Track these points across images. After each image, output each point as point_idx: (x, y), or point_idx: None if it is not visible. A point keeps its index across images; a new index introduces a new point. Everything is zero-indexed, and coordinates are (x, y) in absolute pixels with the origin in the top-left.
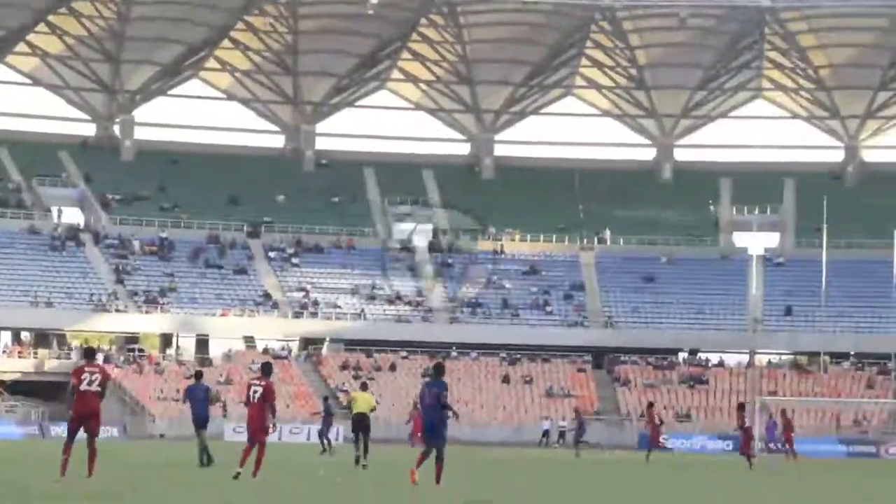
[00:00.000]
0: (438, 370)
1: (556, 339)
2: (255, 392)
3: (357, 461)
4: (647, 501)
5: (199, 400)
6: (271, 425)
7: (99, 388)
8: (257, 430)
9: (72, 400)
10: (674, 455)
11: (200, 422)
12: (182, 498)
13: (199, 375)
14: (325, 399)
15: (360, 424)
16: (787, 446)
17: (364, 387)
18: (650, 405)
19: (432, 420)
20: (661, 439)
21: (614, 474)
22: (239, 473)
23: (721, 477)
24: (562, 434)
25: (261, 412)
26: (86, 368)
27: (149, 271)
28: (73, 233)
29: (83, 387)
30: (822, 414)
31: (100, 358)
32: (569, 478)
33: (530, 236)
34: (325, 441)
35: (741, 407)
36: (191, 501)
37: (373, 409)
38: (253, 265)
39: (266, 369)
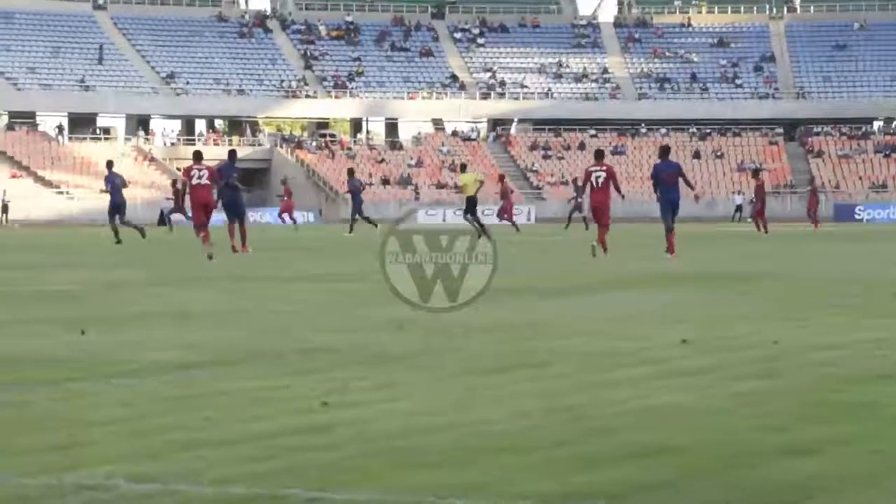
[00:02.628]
0: (666, 152)
1: (747, 113)
2: (598, 177)
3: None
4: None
5: (118, 187)
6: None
7: (208, 182)
8: (604, 215)
9: (184, 197)
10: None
11: (117, 208)
12: None
13: (110, 165)
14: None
15: (471, 206)
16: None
17: (463, 168)
18: (756, 172)
19: (674, 196)
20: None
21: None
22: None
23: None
24: None
25: (606, 196)
26: (195, 167)
27: (336, 56)
28: (260, 19)
29: (194, 181)
30: None
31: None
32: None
33: (718, 7)
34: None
35: (756, 173)
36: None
37: (481, 184)
38: (439, 47)
39: (599, 154)
